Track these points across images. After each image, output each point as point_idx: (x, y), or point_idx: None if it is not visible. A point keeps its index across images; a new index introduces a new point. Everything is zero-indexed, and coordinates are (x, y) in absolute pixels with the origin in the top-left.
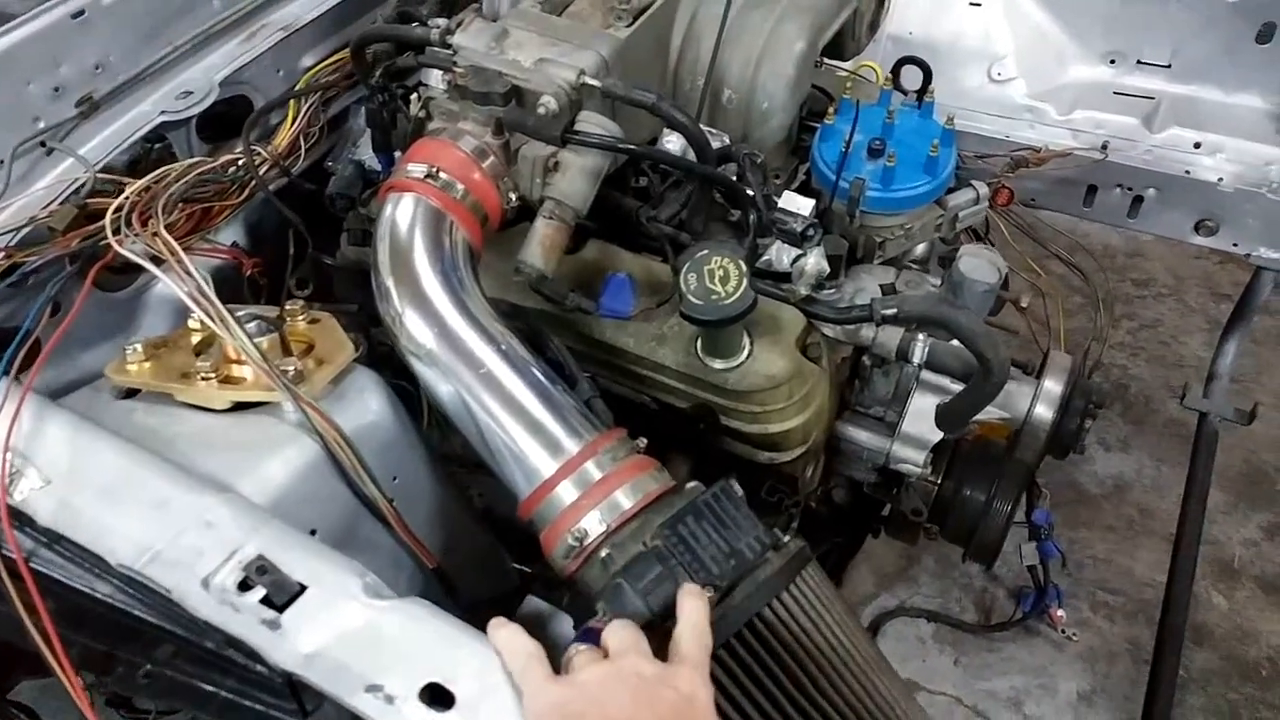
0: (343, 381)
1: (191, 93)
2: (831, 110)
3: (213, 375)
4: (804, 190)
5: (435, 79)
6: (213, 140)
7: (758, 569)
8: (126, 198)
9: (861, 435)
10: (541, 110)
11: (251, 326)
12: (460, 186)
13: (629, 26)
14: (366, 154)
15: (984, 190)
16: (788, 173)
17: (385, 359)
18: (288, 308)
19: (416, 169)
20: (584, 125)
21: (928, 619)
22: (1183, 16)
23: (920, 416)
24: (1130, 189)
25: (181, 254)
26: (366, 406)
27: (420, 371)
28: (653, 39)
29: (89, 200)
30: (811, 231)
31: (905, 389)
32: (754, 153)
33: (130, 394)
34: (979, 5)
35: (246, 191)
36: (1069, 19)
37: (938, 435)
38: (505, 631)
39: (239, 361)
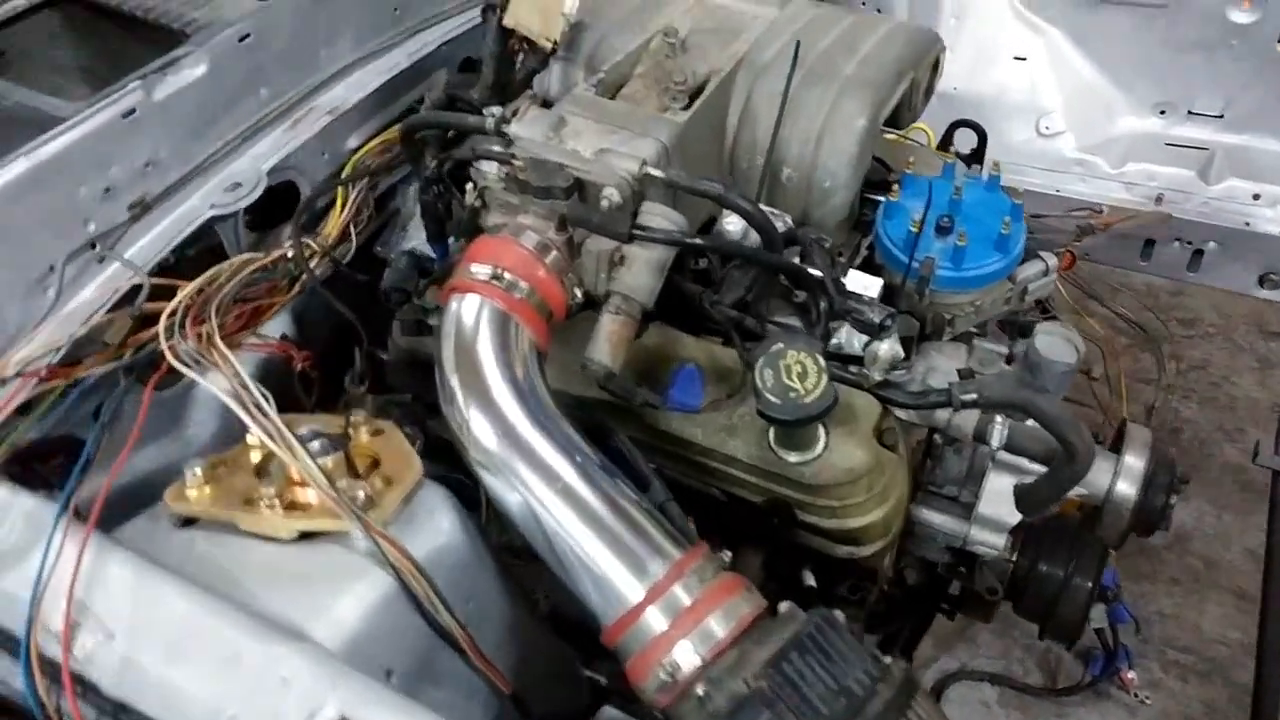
0: (411, 501)
1: (240, 184)
2: (896, 187)
3: (276, 501)
4: (868, 267)
5: (491, 168)
6: (258, 228)
7: (868, 704)
8: (180, 302)
9: (937, 518)
10: (605, 203)
11: (315, 446)
12: (525, 285)
13: (686, 109)
14: (417, 240)
15: (1053, 262)
16: (850, 248)
17: (441, 450)
18: (351, 420)
19: (480, 270)
20: (648, 218)
21: (991, 682)
22: (1232, 66)
23: (997, 498)
24: (1190, 243)
25: (241, 371)
26: (438, 528)
27: (487, 480)
28: (710, 121)
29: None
30: (889, 321)
31: (980, 468)
32: (821, 237)
33: (190, 520)
34: (1024, 60)
35: (297, 286)
36: (1117, 71)
37: (1016, 518)
38: None
39: (303, 484)
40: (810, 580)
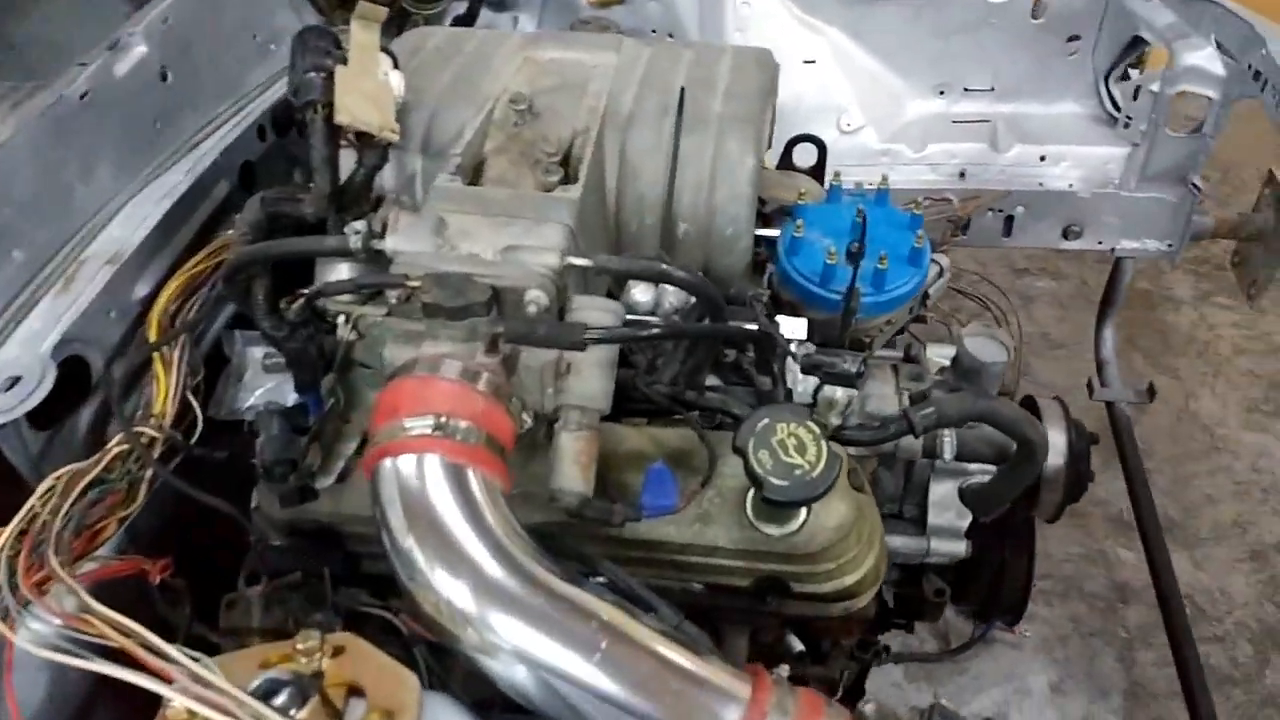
0: None
1: (19, 378)
2: (800, 223)
3: None
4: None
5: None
6: (46, 425)
7: None
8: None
9: (895, 541)
10: (531, 309)
11: (282, 699)
12: (471, 427)
13: (565, 181)
14: (258, 394)
15: (946, 262)
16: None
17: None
18: (300, 647)
19: (416, 423)
20: (587, 314)
21: (894, 661)
22: (995, 41)
23: (944, 505)
24: (1001, 211)
25: (145, 632)
26: None
27: (487, 665)
28: (594, 189)
29: None
30: (862, 368)
31: (919, 480)
32: (757, 292)
33: None
34: (813, 62)
35: (143, 488)
36: (895, 60)
37: (966, 520)
38: None
39: None
40: (798, 645)
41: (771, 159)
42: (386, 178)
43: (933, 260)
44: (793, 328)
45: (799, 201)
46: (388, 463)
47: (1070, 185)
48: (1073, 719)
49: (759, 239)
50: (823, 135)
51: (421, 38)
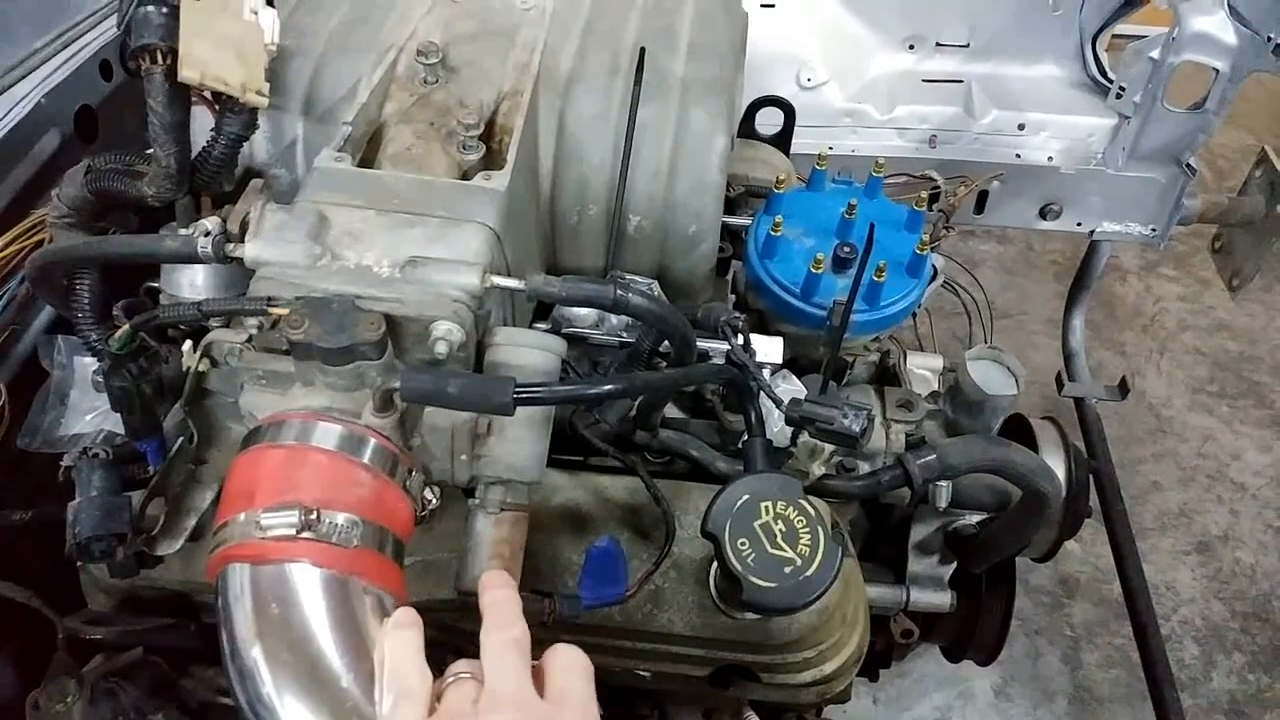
0: None
1: None
2: (780, 220)
3: None
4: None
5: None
6: None
7: None
8: None
9: (870, 592)
10: (440, 347)
11: None
12: (346, 520)
13: (487, 161)
14: (89, 411)
15: (940, 262)
16: (723, 301)
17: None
18: None
19: (274, 520)
20: (511, 354)
21: None
22: None
23: (926, 550)
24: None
25: None
26: None
27: None
28: (525, 172)
29: None
30: (868, 423)
31: (897, 518)
32: (733, 315)
33: None
34: (772, 6)
35: None
36: (863, 6)
37: (950, 567)
38: None
39: None
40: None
41: None
42: (258, 146)
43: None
44: (768, 349)
45: (777, 189)
46: (237, 569)
47: (1050, 158)
48: None
49: (724, 230)
50: (781, 91)
51: None
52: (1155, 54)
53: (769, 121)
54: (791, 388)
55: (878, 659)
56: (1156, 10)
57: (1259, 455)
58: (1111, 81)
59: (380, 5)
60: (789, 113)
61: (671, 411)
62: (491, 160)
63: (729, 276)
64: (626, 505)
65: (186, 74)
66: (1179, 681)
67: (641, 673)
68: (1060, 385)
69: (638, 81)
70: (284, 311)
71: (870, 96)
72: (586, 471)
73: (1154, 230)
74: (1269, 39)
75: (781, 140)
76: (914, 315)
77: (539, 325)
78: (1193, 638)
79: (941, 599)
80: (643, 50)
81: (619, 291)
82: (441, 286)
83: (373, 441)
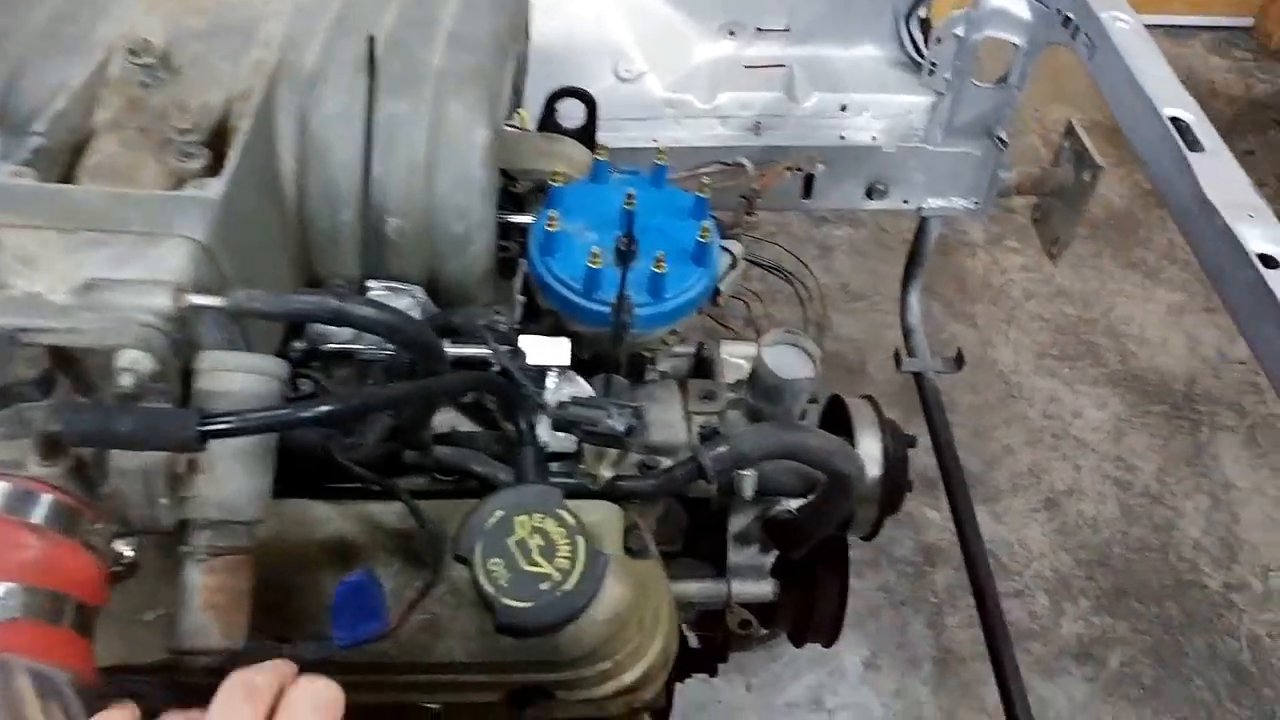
0: None
1: None
2: (554, 215)
3: None
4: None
5: None
6: None
7: None
8: None
9: (691, 588)
10: (126, 380)
11: None
12: (7, 591)
13: (211, 170)
14: None
15: (739, 249)
16: (509, 304)
17: None
18: None
19: None
20: (217, 382)
21: None
22: None
23: (744, 541)
24: (800, 170)
25: None
26: None
27: None
28: (257, 177)
29: None
30: (635, 422)
31: (714, 511)
32: (493, 317)
33: None
34: None
35: None
36: None
37: (770, 556)
38: None
39: None
40: None
41: (534, 119)
42: None
43: (722, 248)
44: (552, 351)
45: (553, 182)
46: None
47: (874, 138)
48: (886, 694)
49: (510, 228)
50: (599, 83)
51: None
52: (960, 31)
53: (575, 115)
54: (576, 390)
55: (715, 654)
56: None
57: (1096, 411)
58: (923, 59)
59: (93, 2)
60: (590, 104)
61: (465, 425)
62: (216, 168)
63: (518, 279)
64: (399, 532)
65: None
66: (1031, 632)
67: (431, 706)
68: (899, 362)
69: (371, 74)
70: None
71: (691, 86)
72: (358, 499)
73: (976, 203)
74: (1059, 11)
75: (585, 133)
76: (747, 305)
77: (295, 344)
78: (1044, 590)
79: (763, 589)
80: (371, 38)
81: (336, 302)
82: (127, 310)
83: (42, 495)
